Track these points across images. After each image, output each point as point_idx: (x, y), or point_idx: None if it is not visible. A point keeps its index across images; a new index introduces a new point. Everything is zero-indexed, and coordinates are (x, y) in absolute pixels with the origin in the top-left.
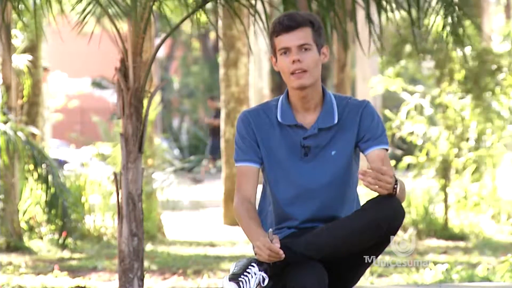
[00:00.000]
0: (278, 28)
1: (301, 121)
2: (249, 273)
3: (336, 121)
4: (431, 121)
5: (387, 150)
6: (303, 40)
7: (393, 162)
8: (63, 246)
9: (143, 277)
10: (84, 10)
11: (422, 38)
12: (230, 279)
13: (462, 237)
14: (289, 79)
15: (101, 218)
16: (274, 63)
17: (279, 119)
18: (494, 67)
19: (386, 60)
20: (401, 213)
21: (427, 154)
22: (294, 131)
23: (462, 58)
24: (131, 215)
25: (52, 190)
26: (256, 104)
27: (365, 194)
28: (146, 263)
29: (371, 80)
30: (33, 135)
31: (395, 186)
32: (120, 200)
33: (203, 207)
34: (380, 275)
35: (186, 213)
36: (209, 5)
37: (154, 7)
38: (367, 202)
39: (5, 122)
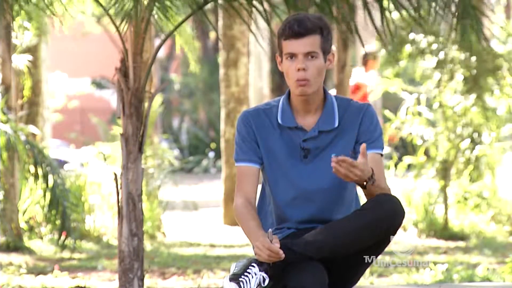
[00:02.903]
0: (287, 32)
1: (301, 123)
2: (249, 273)
3: (336, 124)
4: (431, 121)
5: (382, 155)
6: (310, 48)
7: (393, 162)
8: (63, 246)
9: (143, 277)
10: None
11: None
12: (231, 279)
13: (462, 237)
14: (292, 84)
15: (101, 218)
16: (279, 63)
17: (279, 120)
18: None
19: (385, 60)
20: (401, 213)
21: (425, 153)
22: (294, 133)
23: (465, 58)
24: (131, 215)
25: (52, 190)
26: (256, 104)
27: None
28: (146, 263)
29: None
30: (33, 135)
31: (367, 181)
32: (120, 200)
33: (203, 207)
34: (380, 275)
35: (186, 213)
36: (209, 5)
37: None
38: (367, 202)
39: (5, 122)
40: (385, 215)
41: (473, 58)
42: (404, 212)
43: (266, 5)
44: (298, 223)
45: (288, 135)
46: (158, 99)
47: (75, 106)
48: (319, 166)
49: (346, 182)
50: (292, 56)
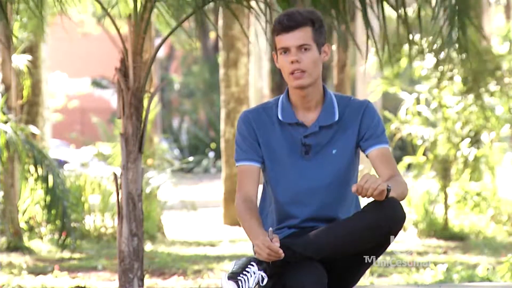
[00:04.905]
0: (278, 27)
1: (302, 119)
2: (248, 272)
3: (337, 118)
4: (431, 122)
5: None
6: (302, 40)
7: None
8: (63, 246)
9: (143, 277)
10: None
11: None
12: (229, 278)
13: (462, 237)
14: (288, 78)
15: (101, 218)
16: (275, 60)
17: (279, 117)
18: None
19: (384, 60)
20: (401, 216)
21: (425, 154)
22: (295, 129)
23: (463, 59)
24: (131, 215)
25: (52, 190)
26: (256, 104)
27: None
28: (146, 263)
29: (371, 83)
30: (33, 135)
31: (388, 188)
32: (120, 200)
33: (203, 207)
34: (380, 275)
35: (186, 213)
36: (209, 5)
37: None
38: (368, 204)
39: (5, 122)
40: (386, 218)
41: (473, 58)
42: (405, 215)
43: (262, 6)
44: (301, 220)
45: (289, 132)
46: (154, 98)
47: (75, 106)
48: (321, 163)
49: (347, 179)
50: (285, 50)
